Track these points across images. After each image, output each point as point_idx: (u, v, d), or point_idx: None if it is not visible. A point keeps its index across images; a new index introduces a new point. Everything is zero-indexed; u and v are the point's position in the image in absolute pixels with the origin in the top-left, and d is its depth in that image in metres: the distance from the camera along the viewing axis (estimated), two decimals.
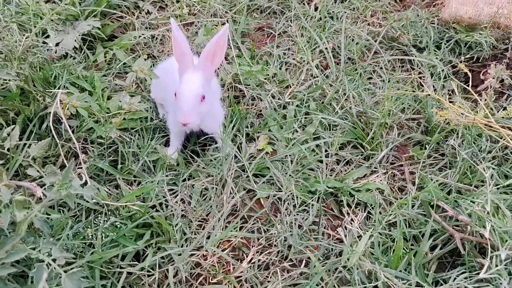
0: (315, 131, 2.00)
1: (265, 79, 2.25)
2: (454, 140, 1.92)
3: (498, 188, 1.77)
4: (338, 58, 2.47)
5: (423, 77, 2.32)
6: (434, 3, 2.80)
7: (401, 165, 1.96)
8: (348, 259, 1.43)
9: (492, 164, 1.87)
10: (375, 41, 2.55)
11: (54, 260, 0.99)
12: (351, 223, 1.64)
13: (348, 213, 1.74)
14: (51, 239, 1.28)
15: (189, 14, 2.80)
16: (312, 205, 1.71)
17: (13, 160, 1.59)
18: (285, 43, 2.58)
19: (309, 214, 1.68)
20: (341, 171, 1.93)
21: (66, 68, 2.22)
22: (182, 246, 1.55)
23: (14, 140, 1.66)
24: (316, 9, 2.83)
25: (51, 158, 1.75)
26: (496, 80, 2.17)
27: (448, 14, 2.42)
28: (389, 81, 2.24)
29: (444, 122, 1.90)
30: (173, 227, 1.58)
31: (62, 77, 2.13)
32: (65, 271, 1.00)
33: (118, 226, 1.54)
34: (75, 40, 2.39)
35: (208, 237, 1.58)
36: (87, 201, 1.41)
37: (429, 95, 1.95)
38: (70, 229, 1.42)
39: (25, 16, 1.92)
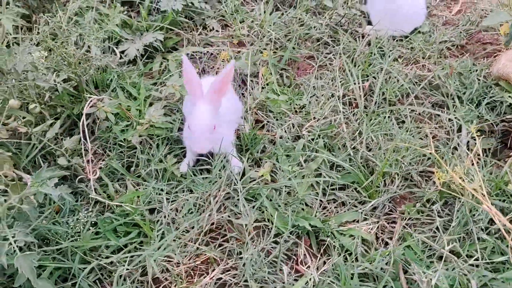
0: (318, 167, 2.06)
1: (289, 109, 2.35)
2: (453, 204, 1.86)
3: (489, 263, 1.70)
4: (377, 97, 2.47)
5: (447, 131, 2.24)
6: (495, 54, 2.64)
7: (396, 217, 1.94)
8: None
9: (492, 236, 1.78)
10: (419, 86, 2.51)
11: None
12: (314, 266, 1.70)
13: (321, 254, 1.80)
14: (44, 221, 1.57)
15: (247, 35, 2.99)
16: (287, 237, 1.80)
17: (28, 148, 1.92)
18: (326, 76, 2.64)
19: (281, 246, 1.77)
20: (333, 211, 1.97)
21: (124, 73, 2.55)
22: (159, 249, 1.75)
23: (54, 132, 1.99)
24: (368, 44, 2.84)
25: (80, 152, 2.07)
26: None
27: (496, 69, 2.29)
28: (407, 131, 2.20)
29: (445, 183, 1.84)
30: (156, 231, 1.79)
31: (115, 82, 2.47)
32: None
33: (111, 221, 1.80)
34: (138, 50, 2.73)
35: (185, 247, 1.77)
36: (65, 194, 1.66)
37: (433, 152, 1.90)
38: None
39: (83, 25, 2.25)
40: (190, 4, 2.94)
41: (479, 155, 2.16)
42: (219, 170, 2.03)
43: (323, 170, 2.05)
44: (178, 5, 2.85)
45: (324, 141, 2.17)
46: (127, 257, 1.69)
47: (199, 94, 1.87)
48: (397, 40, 2.90)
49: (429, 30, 2.94)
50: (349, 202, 1.99)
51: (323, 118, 2.34)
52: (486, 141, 2.23)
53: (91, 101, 1.91)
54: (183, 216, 1.86)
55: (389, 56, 2.74)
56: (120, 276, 1.69)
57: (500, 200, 1.92)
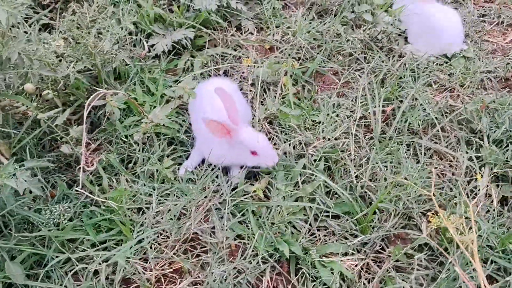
0: (314, 191, 1.98)
1: (299, 125, 2.27)
2: (451, 254, 1.71)
3: None
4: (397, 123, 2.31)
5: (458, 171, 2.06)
6: None
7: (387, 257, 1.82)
8: None
9: None
10: (448, 116, 2.33)
11: None
12: None
13: (298, 282, 1.73)
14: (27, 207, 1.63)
15: (281, 41, 2.91)
16: (263, 260, 1.75)
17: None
18: (349, 94, 2.52)
19: (250, 270, 1.72)
20: (321, 239, 1.89)
21: (144, 68, 2.58)
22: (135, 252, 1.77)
23: (62, 119, 2.06)
24: (404, 65, 2.67)
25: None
26: None
27: None
28: (419, 163, 2.05)
29: (445, 229, 1.69)
30: (136, 232, 1.80)
31: (137, 75, 2.51)
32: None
33: (97, 215, 1.84)
34: (166, 45, 2.75)
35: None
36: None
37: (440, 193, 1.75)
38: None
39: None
40: (225, 5, 2.91)
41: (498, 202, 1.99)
42: (212, 181, 2.01)
43: (318, 195, 1.96)
44: (212, 6, 2.83)
45: (325, 164, 2.07)
46: (101, 253, 1.72)
47: (237, 119, 1.91)
48: (436, 64, 2.70)
49: (474, 57, 2.71)
50: (339, 233, 1.89)
51: (335, 139, 2.23)
52: (508, 188, 2.03)
53: (97, 94, 1.95)
54: (167, 221, 1.86)
55: (423, 80, 2.56)
56: (95, 271, 1.72)
57: (505, 258, 1.75)
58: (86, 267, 1.72)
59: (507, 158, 2.06)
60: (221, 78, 2.36)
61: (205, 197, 1.89)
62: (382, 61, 2.66)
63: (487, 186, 2.01)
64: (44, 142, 2.12)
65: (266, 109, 2.34)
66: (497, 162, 2.06)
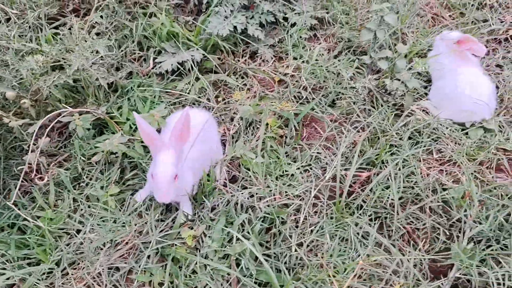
0: (243, 252, 1.85)
1: (256, 175, 2.13)
2: None
3: None
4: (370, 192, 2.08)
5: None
6: None
7: None
8: None
9: None
10: (429, 198, 2.04)
11: None
12: None
13: None
14: None
15: (292, 75, 2.76)
16: None
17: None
18: (331, 148, 2.32)
19: None
20: None
21: (146, 85, 2.62)
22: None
23: (34, 128, 2.17)
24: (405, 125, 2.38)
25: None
26: None
27: None
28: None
29: None
30: (53, 256, 1.84)
31: (133, 90, 2.56)
32: None
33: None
34: (171, 65, 2.75)
35: None
36: None
37: None
38: None
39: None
40: (240, 31, 2.83)
41: None
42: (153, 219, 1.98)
43: (244, 258, 1.83)
44: (224, 31, 2.77)
45: (262, 225, 1.93)
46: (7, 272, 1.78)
47: (160, 145, 1.84)
48: (450, 129, 2.37)
49: (497, 130, 2.33)
50: None
51: (297, 196, 2.07)
52: None
53: (59, 113, 2.03)
54: (89, 250, 1.87)
55: (424, 146, 2.27)
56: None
57: None
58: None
59: (471, 264, 1.74)
60: (197, 109, 2.30)
61: (126, 235, 1.86)
62: (383, 119, 2.40)
63: None
64: (17, 148, 2.26)
65: (234, 151, 2.24)
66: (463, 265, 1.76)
